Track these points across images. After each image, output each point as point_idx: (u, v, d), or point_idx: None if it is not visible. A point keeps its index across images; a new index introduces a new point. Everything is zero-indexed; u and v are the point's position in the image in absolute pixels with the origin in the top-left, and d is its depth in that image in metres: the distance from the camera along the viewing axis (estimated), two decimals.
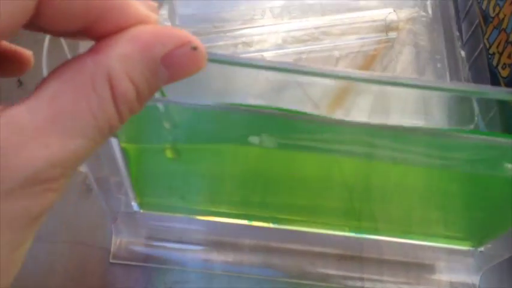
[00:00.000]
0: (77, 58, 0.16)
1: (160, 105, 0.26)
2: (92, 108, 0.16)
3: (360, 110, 0.39)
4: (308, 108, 0.37)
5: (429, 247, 0.38)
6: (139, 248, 0.41)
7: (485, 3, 0.47)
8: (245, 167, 0.33)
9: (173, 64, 0.17)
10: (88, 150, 0.16)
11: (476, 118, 0.39)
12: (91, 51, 0.17)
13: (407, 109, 0.40)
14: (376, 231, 0.37)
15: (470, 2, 0.46)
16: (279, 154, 0.31)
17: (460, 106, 0.40)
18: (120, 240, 0.41)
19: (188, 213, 0.37)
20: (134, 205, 0.36)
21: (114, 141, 0.28)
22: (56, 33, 0.18)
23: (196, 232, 0.40)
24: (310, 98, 0.35)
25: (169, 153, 0.31)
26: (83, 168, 0.43)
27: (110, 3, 0.16)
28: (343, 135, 0.27)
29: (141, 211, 0.37)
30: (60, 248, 0.41)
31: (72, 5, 0.15)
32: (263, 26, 0.44)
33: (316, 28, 0.44)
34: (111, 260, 0.41)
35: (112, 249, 0.41)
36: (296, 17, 0.44)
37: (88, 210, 0.43)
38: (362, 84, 0.39)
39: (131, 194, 0.35)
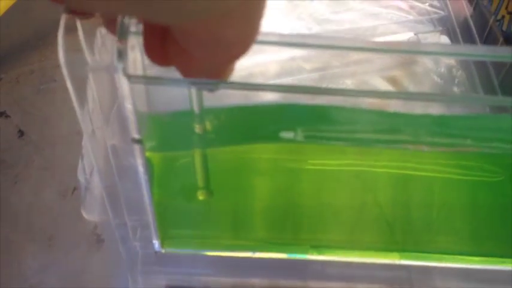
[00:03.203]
0: None
1: (194, 109, 0.24)
2: None
3: None
4: None
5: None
6: None
7: (505, 24, 0.46)
8: (279, 186, 0.31)
9: None
10: None
11: None
12: None
13: None
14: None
15: (489, 24, 0.45)
16: (310, 171, 0.30)
17: None
18: None
19: (215, 247, 0.33)
20: (155, 243, 0.32)
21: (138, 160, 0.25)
22: None
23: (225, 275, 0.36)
24: None
25: (200, 195, 0.29)
26: (96, 217, 0.39)
27: None
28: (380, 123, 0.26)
29: (163, 251, 0.33)
30: None
31: None
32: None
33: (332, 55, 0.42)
34: None
35: None
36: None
37: (99, 263, 0.38)
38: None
39: (153, 229, 0.31)
